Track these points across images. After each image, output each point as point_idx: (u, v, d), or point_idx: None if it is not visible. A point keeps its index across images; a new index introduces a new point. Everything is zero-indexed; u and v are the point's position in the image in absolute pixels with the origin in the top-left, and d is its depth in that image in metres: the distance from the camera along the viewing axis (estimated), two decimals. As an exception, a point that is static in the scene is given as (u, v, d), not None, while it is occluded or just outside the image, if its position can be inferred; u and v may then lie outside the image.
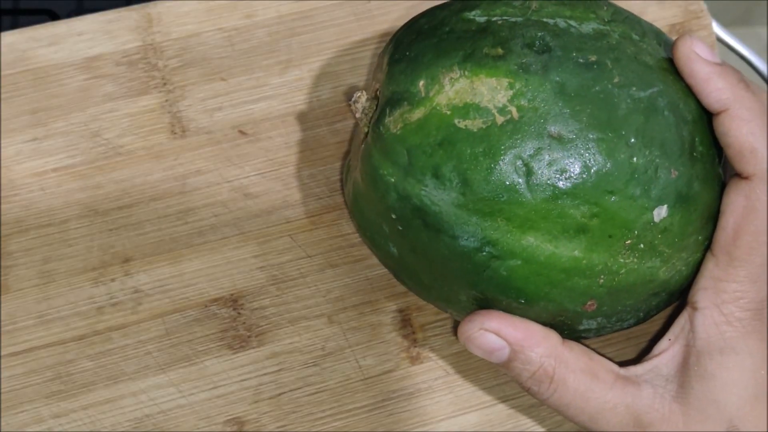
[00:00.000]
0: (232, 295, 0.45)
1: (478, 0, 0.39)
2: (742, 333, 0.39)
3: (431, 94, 0.37)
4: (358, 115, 0.40)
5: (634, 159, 0.36)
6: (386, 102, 0.38)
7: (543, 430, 0.44)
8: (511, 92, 0.36)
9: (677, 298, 0.41)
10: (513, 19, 0.38)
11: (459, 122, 0.36)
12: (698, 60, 0.38)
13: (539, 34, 0.37)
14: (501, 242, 0.37)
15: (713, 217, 0.39)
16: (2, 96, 0.46)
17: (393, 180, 0.37)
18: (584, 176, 0.36)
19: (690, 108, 0.38)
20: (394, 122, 0.38)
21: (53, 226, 0.45)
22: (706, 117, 0.39)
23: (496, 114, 0.36)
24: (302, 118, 0.47)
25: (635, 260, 0.38)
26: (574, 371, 0.39)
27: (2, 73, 0.46)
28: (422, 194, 0.37)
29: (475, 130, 0.36)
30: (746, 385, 0.39)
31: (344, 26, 0.48)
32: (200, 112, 0.47)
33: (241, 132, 0.47)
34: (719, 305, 0.39)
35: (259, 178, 0.46)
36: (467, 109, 0.36)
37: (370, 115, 0.40)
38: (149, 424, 0.43)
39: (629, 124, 0.36)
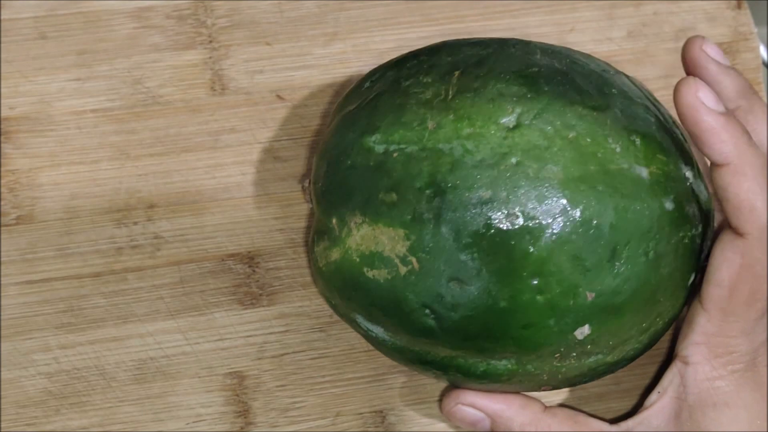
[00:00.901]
0: (249, 252, 0.45)
1: (380, 121, 0.37)
2: (736, 386, 0.39)
3: (343, 235, 0.37)
4: (306, 200, 0.42)
5: (540, 297, 0.35)
6: (315, 229, 0.40)
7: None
8: (408, 243, 0.35)
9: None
10: (409, 149, 0.36)
11: (368, 271, 0.37)
12: (704, 110, 0.36)
13: (431, 173, 0.35)
14: (435, 362, 0.38)
15: (656, 302, 0.37)
16: (53, 35, 0.47)
17: (334, 303, 0.40)
18: (489, 319, 0.36)
19: (607, 214, 0.35)
20: (320, 255, 0.39)
21: (85, 165, 0.46)
22: (635, 209, 0.36)
23: (398, 264, 0.36)
24: (340, 91, 0.48)
25: (573, 361, 0.37)
26: None
27: (56, 12, 0.47)
28: (359, 322, 0.39)
29: (381, 281, 0.36)
30: None
31: (393, 7, 0.49)
32: (241, 72, 0.47)
33: (278, 96, 0.47)
34: (711, 360, 0.39)
35: (290, 143, 0.47)
36: (373, 258, 0.36)
37: None
38: (152, 367, 0.43)
39: (530, 263, 0.35)
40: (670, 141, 0.38)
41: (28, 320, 0.44)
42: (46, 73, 0.47)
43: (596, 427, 0.40)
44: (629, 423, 0.40)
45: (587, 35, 0.49)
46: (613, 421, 0.41)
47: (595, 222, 0.35)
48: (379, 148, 0.37)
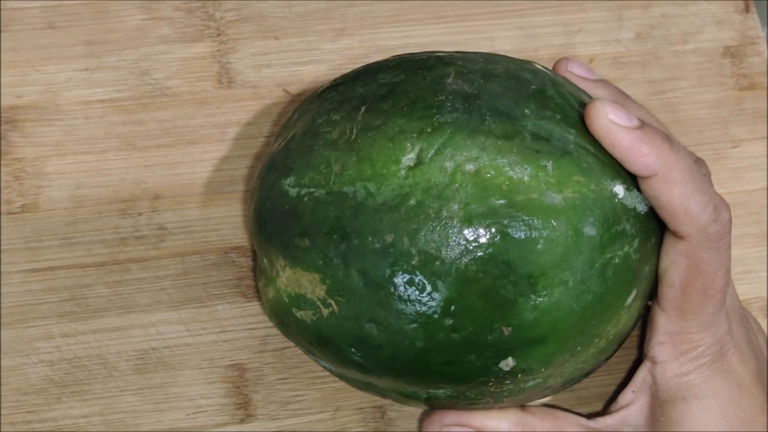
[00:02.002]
0: (252, 245, 0.45)
1: (293, 163, 0.37)
2: (704, 378, 0.39)
3: (273, 275, 0.38)
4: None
5: (455, 335, 0.35)
6: (258, 263, 0.40)
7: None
8: (324, 287, 0.35)
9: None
10: (317, 193, 0.36)
11: (296, 312, 0.37)
12: (617, 130, 0.36)
13: (337, 217, 0.35)
14: (380, 389, 0.39)
15: (587, 326, 0.36)
16: (61, 24, 0.47)
17: (283, 333, 0.40)
18: (411, 357, 0.35)
19: (514, 249, 0.34)
20: (262, 291, 0.40)
21: (91, 155, 0.46)
22: (539, 237, 0.34)
23: (320, 306, 0.36)
24: (347, 86, 0.48)
25: (512, 386, 0.37)
26: None
27: (65, 2, 0.48)
28: (306, 352, 0.39)
29: (308, 321, 0.37)
30: (716, 425, 0.39)
31: (401, 4, 0.49)
32: (249, 66, 0.48)
33: (285, 91, 0.47)
34: (677, 357, 0.39)
35: (296, 137, 0.47)
36: (299, 300, 0.37)
37: None
38: (153, 357, 0.44)
39: (439, 303, 0.34)
40: (592, 159, 0.36)
41: (31, 308, 0.44)
42: (54, 63, 0.47)
43: (574, 420, 0.41)
44: (607, 420, 0.41)
45: (595, 36, 0.49)
46: (588, 417, 0.42)
47: (501, 258, 0.34)
48: (293, 192, 0.36)
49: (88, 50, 0.47)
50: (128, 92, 0.47)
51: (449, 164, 0.34)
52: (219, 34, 0.48)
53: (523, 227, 0.34)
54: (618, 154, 0.36)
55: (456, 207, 0.34)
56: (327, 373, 0.44)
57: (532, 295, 0.34)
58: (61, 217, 0.45)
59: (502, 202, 0.34)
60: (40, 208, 0.45)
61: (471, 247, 0.34)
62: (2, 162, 0.45)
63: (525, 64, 0.39)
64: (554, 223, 0.34)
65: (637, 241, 0.36)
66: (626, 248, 0.36)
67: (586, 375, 0.39)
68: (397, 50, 0.48)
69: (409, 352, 0.35)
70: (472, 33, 0.49)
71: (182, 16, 0.48)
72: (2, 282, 0.44)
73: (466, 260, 0.34)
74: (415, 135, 0.35)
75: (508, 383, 0.36)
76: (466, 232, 0.34)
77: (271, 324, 0.44)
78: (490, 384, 0.36)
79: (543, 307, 0.34)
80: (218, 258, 0.45)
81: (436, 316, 0.34)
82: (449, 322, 0.34)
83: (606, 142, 0.36)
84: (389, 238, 0.34)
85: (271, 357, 0.44)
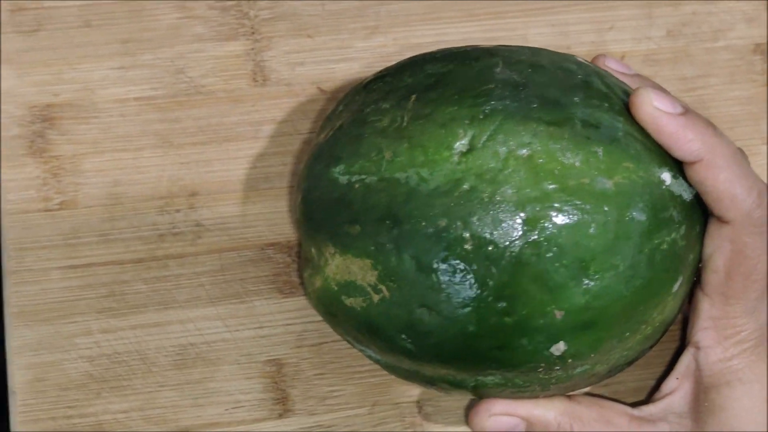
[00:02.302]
0: (289, 242, 0.45)
1: (342, 152, 0.37)
2: (747, 363, 0.40)
3: (322, 264, 0.38)
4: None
5: (507, 319, 0.35)
6: (302, 254, 0.41)
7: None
8: (376, 272, 0.36)
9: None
10: (368, 180, 0.36)
11: (345, 300, 0.37)
12: (663, 116, 0.37)
13: (388, 204, 0.35)
14: (428, 377, 0.39)
15: (635, 312, 0.36)
16: (97, 23, 0.48)
17: (329, 324, 0.40)
18: (462, 342, 0.36)
19: (567, 232, 0.34)
20: (307, 281, 0.40)
21: (128, 152, 0.46)
22: (592, 221, 0.35)
23: (371, 292, 0.36)
24: (380, 84, 0.48)
25: (560, 373, 0.37)
26: (589, 422, 0.40)
27: (101, 1, 0.48)
28: (352, 343, 0.40)
29: (358, 308, 0.37)
30: (760, 410, 0.40)
31: (434, 2, 0.49)
32: (283, 64, 0.48)
33: (319, 88, 0.48)
34: (721, 342, 0.40)
35: (331, 134, 0.47)
36: (348, 287, 0.37)
37: None
38: (192, 353, 0.44)
39: (492, 287, 0.35)
40: (640, 146, 0.37)
41: (70, 304, 0.44)
42: (90, 61, 0.47)
43: (620, 409, 0.41)
44: (651, 408, 0.41)
45: (626, 33, 0.49)
46: (633, 406, 0.42)
47: (554, 241, 0.34)
48: (343, 180, 0.37)
49: (124, 48, 0.47)
50: (163, 90, 0.47)
51: (502, 149, 0.35)
52: (253, 33, 0.48)
53: (575, 212, 0.34)
54: (663, 140, 0.37)
55: (509, 191, 0.34)
56: (364, 368, 0.44)
57: (584, 279, 0.35)
58: (99, 214, 0.45)
59: (554, 186, 0.34)
60: (78, 205, 0.45)
61: (524, 231, 0.34)
62: (40, 159, 0.46)
63: (568, 57, 0.39)
64: (605, 208, 0.35)
65: (683, 228, 0.37)
66: (673, 235, 0.36)
67: (630, 363, 0.39)
68: (430, 48, 0.48)
69: (461, 337, 0.35)
70: (505, 31, 0.49)
71: (217, 15, 0.48)
72: (41, 279, 0.44)
73: (520, 244, 0.34)
74: (467, 121, 0.35)
75: (557, 369, 0.37)
76: (519, 216, 0.34)
77: (308, 319, 0.44)
78: (540, 370, 0.37)
79: (594, 291, 0.35)
80: (255, 254, 0.45)
81: (489, 300, 0.35)
82: (502, 305, 0.35)
83: (651, 129, 0.37)
84: (442, 223, 0.35)
85: (309, 352, 0.44)
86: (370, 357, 0.40)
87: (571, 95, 0.36)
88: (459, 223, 0.34)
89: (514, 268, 0.34)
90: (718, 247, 0.38)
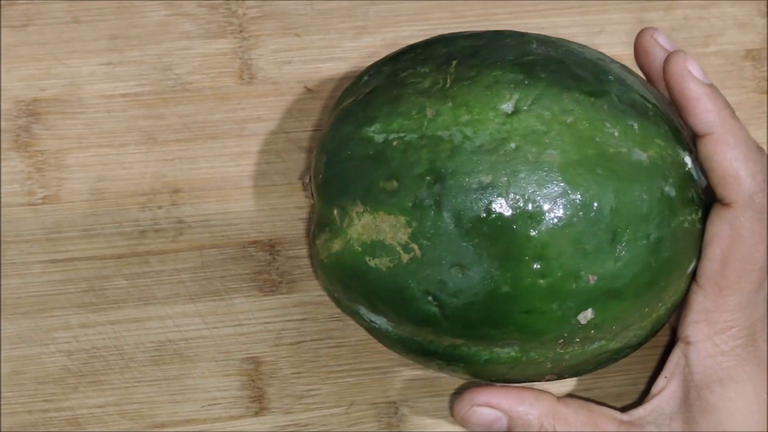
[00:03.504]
0: (270, 240, 0.45)
1: (378, 112, 0.37)
2: (738, 361, 0.39)
3: (344, 225, 0.37)
4: (307, 195, 0.42)
5: (542, 281, 0.35)
6: (316, 222, 0.40)
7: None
8: (410, 230, 0.36)
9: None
10: (408, 137, 0.36)
11: (370, 260, 0.37)
12: (691, 79, 0.38)
13: (431, 159, 0.36)
14: (438, 352, 0.38)
15: (657, 286, 0.37)
16: (85, 19, 0.48)
17: (336, 296, 0.40)
18: (491, 304, 0.36)
19: (606, 197, 0.35)
20: (321, 247, 0.39)
21: (112, 148, 0.46)
22: (633, 191, 0.36)
23: (401, 252, 0.36)
24: (367, 84, 0.48)
25: (576, 348, 0.38)
26: (574, 425, 0.40)
27: (90, -3, 0.48)
28: (361, 313, 0.39)
29: (384, 269, 0.36)
30: (751, 412, 0.39)
31: (422, 3, 0.49)
32: (270, 62, 0.48)
33: (306, 88, 0.48)
34: (712, 337, 0.39)
35: (315, 133, 0.47)
36: (374, 247, 0.36)
37: None
38: (170, 349, 0.44)
39: (531, 246, 0.35)
40: (668, 127, 0.38)
41: (50, 298, 0.44)
42: (77, 57, 0.47)
43: (608, 414, 0.40)
44: (640, 411, 0.41)
45: (616, 37, 0.49)
46: (623, 410, 0.41)
47: (595, 205, 0.35)
48: (379, 138, 0.37)
49: (112, 45, 0.48)
50: (150, 87, 0.47)
51: (546, 114, 0.36)
52: (241, 31, 0.48)
53: (614, 178, 0.35)
54: (684, 102, 0.38)
55: (554, 153, 0.35)
56: (342, 368, 0.44)
57: (618, 246, 0.35)
58: (82, 209, 0.45)
59: (595, 152, 0.36)
60: (61, 200, 0.45)
61: (567, 193, 0.35)
62: (25, 154, 0.46)
63: (589, 48, 0.41)
64: (641, 178, 0.36)
65: (700, 211, 0.38)
66: (693, 215, 0.38)
67: (636, 347, 0.39)
68: (418, 49, 0.48)
69: (492, 298, 0.36)
70: (493, 32, 0.49)
71: (205, 13, 0.48)
72: (22, 272, 0.44)
73: (561, 205, 0.35)
74: (512, 85, 0.36)
75: (576, 341, 0.37)
76: (563, 177, 0.35)
77: (287, 318, 0.44)
78: (560, 341, 0.37)
79: (626, 258, 0.36)
80: (236, 252, 0.45)
81: (526, 259, 0.35)
82: (538, 266, 0.35)
83: (677, 88, 0.38)
84: (486, 179, 0.35)
85: (287, 351, 0.44)
86: (378, 330, 0.39)
87: (605, 74, 0.38)
88: (504, 180, 0.35)
89: (555, 229, 0.35)
90: (717, 232, 0.38)
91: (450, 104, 0.36)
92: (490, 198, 0.35)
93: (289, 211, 0.46)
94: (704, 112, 0.37)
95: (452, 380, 0.44)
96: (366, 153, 0.37)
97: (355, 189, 0.37)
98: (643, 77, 0.41)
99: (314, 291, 0.45)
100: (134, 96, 0.47)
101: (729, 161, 0.37)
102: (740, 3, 0.50)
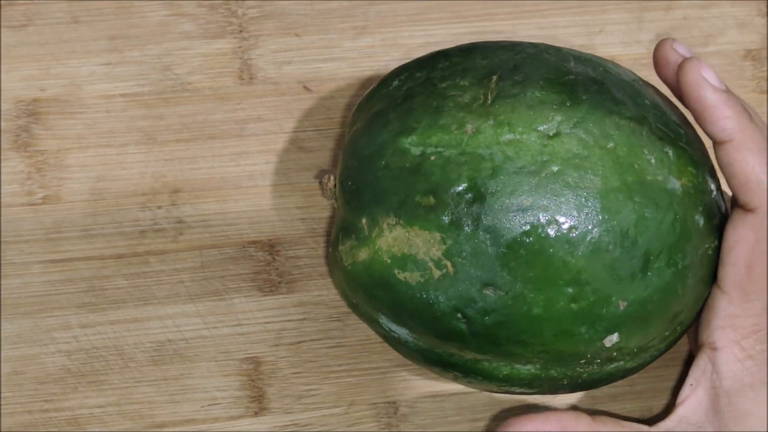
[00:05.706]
0: (270, 240, 0.45)
1: (416, 123, 0.37)
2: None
3: (373, 235, 0.37)
4: (327, 196, 0.42)
5: (574, 305, 0.35)
6: (340, 227, 0.39)
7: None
8: (444, 247, 0.35)
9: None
10: (447, 153, 0.36)
11: (399, 273, 0.37)
12: (707, 86, 0.37)
13: (471, 177, 0.35)
14: (458, 365, 0.38)
15: (680, 311, 0.38)
16: (85, 19, 0.48)
17: (356, 302, 0.40)
18: (520, 325, 0.36)
19: (643, 225, 0.35)
20: (345, 254, 0.39)
21: (112, 148, 0.46)
22: (666, 221, 0.36)
23: (432, 267, 0.36)
24: (366, 84, 0.48)
25: (596, 367, 0.38)
26: None
27: (90, -3, 0.48)
28: (381, 322, 0.39)
29: (413, 283, 0.36)
30: None
31: (422, 3, 0.49)
32: (270, 62, 0.48)
33: (305, 87, 0.48)
34: (739, 341, 0.39)
35: (315, 134, 0.47)
36: (405, 261, 0.36)
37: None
38: (170, 349, 0.44)
39: (567, 271, 0.35)
40: (698, 153, 0.38)
41: (50, 298, 0.44)
42: (77, 57, 0.47)
43: (638, 429, 0.40)
44: (667, 423, 0.40)
45: (616, 37, 0.49)
46: (651, 421, 0.41)
47: (631, 232, 0.35)
48: (416, 150, 0.36)
49: (111, 45, 0.48)
50: (150, 87, 0.47)
51: (588, 138, 0.36)
52: (241, 31, 0.48)
53: (651, 205, 0.35)
54: (701, 111, 0.37)
55: (595, 179, 0.35)
56: (342, 367, 0.44)
57: (648, 273, 0.36)
58: (82, 209, 0.45)
59: (634, 179, 0.36)
60: (61, 200, 0.45)
61: (606, 219, 0.35)
62: (25, 154, 0.46)
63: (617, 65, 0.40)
64: (675, 207, 0.36)
65: (717, 240, 0.38)
66: (716, 242, 0.38)
67: (647, 365, 0.40)
68: (419, 49, 0.48)
69: (523, 319, 0.35)
70: (494, 33, 0.49)
71: (205, 13, 0.48)
72: (22, 272, 0.44)
73: (600, 230, 0.35)
74: (554, 106, 0.36)
75: (597, 362, 0.37)
76: (603, 203, 0.35)
77: (286, 318, 0.44)
78: (582, 361, 0.37)
79: (656, 285, 0.36)
80: (236, 252, 0.45)
81: (560, 283, 0.35)
82: (572, 290, 0.35)
83: (693, 96, 0.37)
84: (527, 201, 0.35)
85: (286, 351, 0.44)
86: (397, 339, 0.39)
87: (642, 97, 0.38)
88: (544, 203, 0.35)
89: (591, 254, 0.35)
90: (740, 237, 0.37)
91: (491, 122, 0.36)
92: (530, 220, 0.35)
93: (289, 211, 0.46)
94: (723, 119, 0.37)
95: (453, 386, 0.44)
96: (402, 164, 0.37)
97: (389, 201, 0.37)
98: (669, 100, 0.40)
99: (314, 291, 0.45)
100: (134, 96, 0.47)
101: (752, 167, 0.36)
102: (740, 3, 0.50)
